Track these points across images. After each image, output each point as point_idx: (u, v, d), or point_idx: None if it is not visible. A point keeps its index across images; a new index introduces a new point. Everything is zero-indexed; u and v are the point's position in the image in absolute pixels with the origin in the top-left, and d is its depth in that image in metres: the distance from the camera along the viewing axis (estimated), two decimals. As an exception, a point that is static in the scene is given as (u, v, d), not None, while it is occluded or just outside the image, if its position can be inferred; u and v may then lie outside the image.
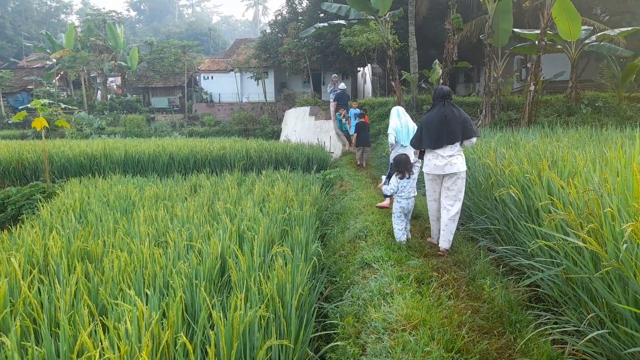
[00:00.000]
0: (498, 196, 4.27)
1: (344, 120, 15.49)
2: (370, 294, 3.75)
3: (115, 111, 32.04)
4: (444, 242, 4.69)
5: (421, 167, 5.12)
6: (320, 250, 5.87)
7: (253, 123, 24.88)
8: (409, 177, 4.99)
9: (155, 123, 26.06)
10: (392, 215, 5.13)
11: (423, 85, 17.32)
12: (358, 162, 11.86)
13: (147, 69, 36.68)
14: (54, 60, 35.32)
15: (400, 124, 6.28)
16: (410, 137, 5.79)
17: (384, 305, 3.42)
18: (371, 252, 4.72)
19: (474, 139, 4.65)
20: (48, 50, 36.66)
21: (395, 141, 6.28)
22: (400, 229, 5.04)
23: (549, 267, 2.99)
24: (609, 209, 2.46)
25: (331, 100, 17.48)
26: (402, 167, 5.00)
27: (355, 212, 7.02)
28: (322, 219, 7.49)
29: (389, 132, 6.35)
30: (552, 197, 3.33)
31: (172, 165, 11.44)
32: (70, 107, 26.61)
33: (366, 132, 11.64)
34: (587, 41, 14.27)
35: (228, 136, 22.08)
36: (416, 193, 5.19)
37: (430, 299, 3.50)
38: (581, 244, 2.44)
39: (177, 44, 34.77)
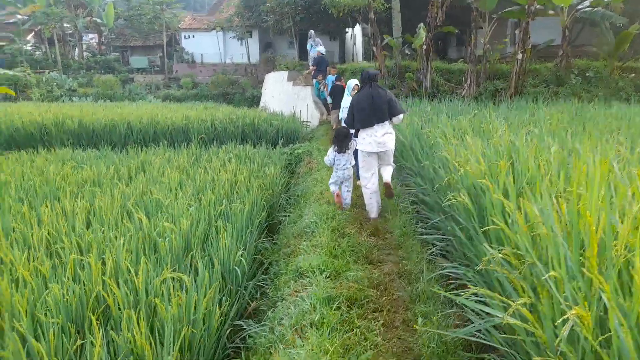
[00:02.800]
0: (450, 200, 3.65)
1: (322, 87, 14.63)
2: (290, 320, 3.18)
3: (92, 71, 30.60)
4: (375, 213, 5.34)
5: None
6: (268, 245, 5.33)
7: (233, 87, 23.76)
8: (344, 152, 5.38)
9: (130, 85, 24.80)
10: (330, 180, 5.62)
11: (407, 51, 16.36)
12: (333, 127, 11.34)
13: (125, 26, 34.88)
14: (27, 16, 33.40)
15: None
16: None
17: (298, 341, 2.86)
18: (309, 259, 4.13)
19: (401, 116, 5.22)
20: (19, 5, 34.60)
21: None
22: (334, 190, 5.56)
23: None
24: (552, 272, 1.86)
25: (310, 60, 16.53)
26: (339, 141, 5.35)
27: (313, 198, 6.41)
28: (279, 204, 6.88)
29: (342, 105, 6.46)
30: (495, 220, 2.72)
31: (129, 137, 10.66)
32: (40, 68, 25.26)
33: (341, 96, 11.00)
34: (580, 6, 13.34)
35: (206, 101, 21.10)
36: (353, 162, 5.60)
37: (355, 334, 2.93)
38: (510, 320, 1.85)
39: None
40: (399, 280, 3.83)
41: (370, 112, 5.01)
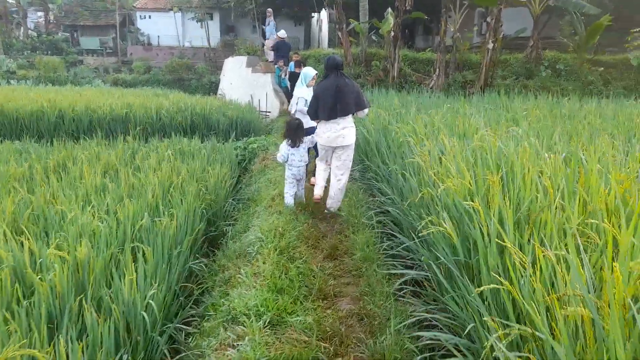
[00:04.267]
0: (427, 227, 2.81)
1: (282, 74, 13.62)
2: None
3: (37, 52, 28.24)
4: (332, 207, 4.98)
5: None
6: (203, 266, 4.38)
7: (189, 72, 22.29)
8: (298, 146, 4.93)
9: (76, 68, 22.88)
10: (285, 180, 5.10)
11: (373, 37, 15.52)
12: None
13: (75, 4, 32.44)
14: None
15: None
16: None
17: None
18: (246, 295, 3.23)
19: (367, 110, 4.86)
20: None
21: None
22: (291, 195, 5.06)
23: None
24: None
25: (267, 41, 15.53)
26: (292, 133, 4.92)
27: (263, 204, 5.49)
28: (224, 211, 5.92)
29: (295, 94, 5.88)
30: (501, 280, 1.89)
31: (60, 126, 9.36)
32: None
33: None
34: (553, -5, 12.84)
35: (159, 86, 19.66)
36: (307, 160, 5.16)
37: None
38: None
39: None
40: (359, 326, 2.98)
41: (336, 103, 4.60)
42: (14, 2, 31.65)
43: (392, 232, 4.12)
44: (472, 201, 2.54)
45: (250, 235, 4.35)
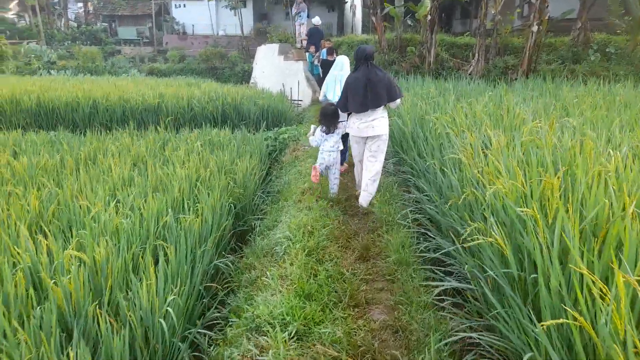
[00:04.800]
0: (473, 236, 2.50)
1: (315, 61, 13.30)
2: None
3: (78, 42, 28.96)
4: (364, 201, 4.79)
5: None
6: (229, 263, 4.20)
7: (222, 60, 22.25)
8: (332, 132, 4.90)
9: (113, 58, 23.27)
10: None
11: (409, 21, 14.93)
12: None
13: (112, -7, 33.02)
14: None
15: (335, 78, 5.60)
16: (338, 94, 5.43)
17: None
18: (272, 301, 3.01)
19: (399, 101, 4.69)
20: (0, -30, 32.64)
21: (325, 97, 5.73)
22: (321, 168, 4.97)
23: None
24: None
25: (297, 25, 15.19)
26: (327, 120, 4.87)
27: (293, 199, 5.26)
28: (254, 205, 5.73)
29: (326, 81, 5.75)
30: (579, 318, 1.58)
31: (94, 117, 9.41)
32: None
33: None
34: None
35: (193, 75, 19.73)
36: (341, 147, 5.02)
37: None
38: None
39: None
40: (394, 341, 2.71)
41: (367, 96, 4.48)
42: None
43: (429, 232, 3.80)
44: (526, 206, 2.20)
45: (278, 233, 4.13)
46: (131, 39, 31.02)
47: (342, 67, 5.56)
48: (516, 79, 11.21)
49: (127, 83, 12.79)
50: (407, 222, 4.21)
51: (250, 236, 5.04)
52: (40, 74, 19.57)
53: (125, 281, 3.03)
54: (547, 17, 11.34)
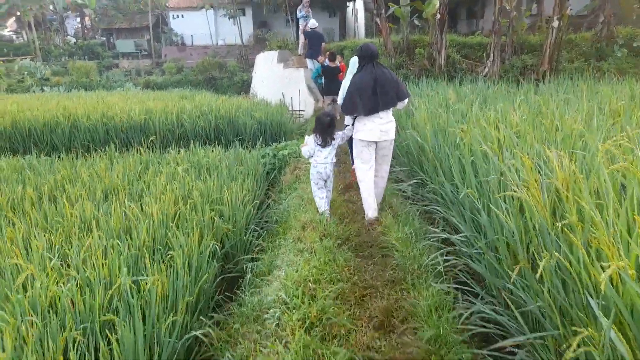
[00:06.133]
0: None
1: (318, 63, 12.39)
2: None
3: (75, 57, 28.35)
4: (371, 215, 4.42)
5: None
6: (211, 331, 3.24)
7: (220, 71, 21.43)
8: (328, 145, 4.41)
9: (108, 72, 22.54)
10: (310, 179, 4.59)
11: (416, 21, 13.99)
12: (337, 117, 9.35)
13: (108, 7, 32.43)
14: (2, -3, 30.95)
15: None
16: None
17: None
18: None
19: (406, 100, 4.43)
20: (-4, -13, 32.17)
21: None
22: (322, 197, 4.54)
23: None
24: None
25: (300, 30, 14.28)
26: (323, 131, 4.37)
27: (293, 235, 4.31)
28: (246, 242, 4.77)
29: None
30: None
31: (75, 136, 8.54)
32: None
33: (336, 77, 9.00)
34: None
35: (190, 87, 18.93)
36: (335, 160, 4.57)
37: None
38: None
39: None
40: None
41: (376, 96, 4.18)
42: (52, 9, 31.97)
43: (474, 291, 2.83)
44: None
45: (270, 294, 3.17)
46: (129, 52, 30.39)
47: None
48: (538, 80, 10.24)
49: (115, 98, 11.95)
50: (439, 269, 3.24)
51: (241, 283, 4.10)
52: (33, 91, 18.88)
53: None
54: (569, 10, 10.36)
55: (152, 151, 7.27)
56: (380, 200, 4.62)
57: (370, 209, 4.43)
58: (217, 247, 4.06)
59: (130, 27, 32.28)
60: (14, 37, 33.46)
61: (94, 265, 3.04)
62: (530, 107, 5.10)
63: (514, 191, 2.27)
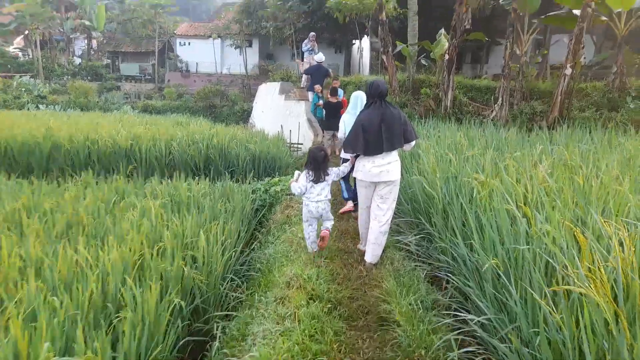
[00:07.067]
0: None
1: (320, 103, 11.96)
2: None
3: (78, 77, 28.15)
4: (372, 257, 4.17)
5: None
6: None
7: (221, 99, 21.10)
8: (321, 181, 4.08)
9: (108, 93, 22.22)
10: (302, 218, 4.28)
11: (423, 61, 13.71)
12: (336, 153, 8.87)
13: (116, 30, 32.57)
14: (12, 15, 31.05)
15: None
16: None
17: None
18: None
19: (413, 143, 4.18)
20: (6, 4, 32.37)
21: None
22: (309, 237, 4.28)
23: None
24: None
25: (302, 64, 14.00)
26: (316, 166, 4.04)
27: (273, 296, 3.64)
28: (223, 296, 4.10)
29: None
30: None
31: (56, 160, 7.94)
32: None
33: (337, 113, 8.57)
34: (645, 11, 10.70)
35: (189, 113, 18.55)
36: (329, 196, 4.21)
37: None
38: None
39: (149, 2, 30.51)
40: None
41: (382, 136, 3.99)
42: (61, 29, 32.06)
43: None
44: None
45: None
46: (133, 76, 30.27)
47: (362, 104, 4.75)
48: (548, 127, 9.77)
49: (107, 120, 11.44)
50: (452, 358, 2.57)
51: (209, 348, 3.41)
52: (28, 109, 18.46)
53: None
54: (583, 58, 10.02)
55: (134, 180, 6.66)
56: (378, 253, 4.20)
57: (369, 247, 4.22)
58: (182, 304, 3.38)
59: (137, 51, 32.31)
60: (20, 54, 33.38)
61: (12, 334, 2.36)
62: (554, 159, 4.53)
63: (573, 284, 1.65)
